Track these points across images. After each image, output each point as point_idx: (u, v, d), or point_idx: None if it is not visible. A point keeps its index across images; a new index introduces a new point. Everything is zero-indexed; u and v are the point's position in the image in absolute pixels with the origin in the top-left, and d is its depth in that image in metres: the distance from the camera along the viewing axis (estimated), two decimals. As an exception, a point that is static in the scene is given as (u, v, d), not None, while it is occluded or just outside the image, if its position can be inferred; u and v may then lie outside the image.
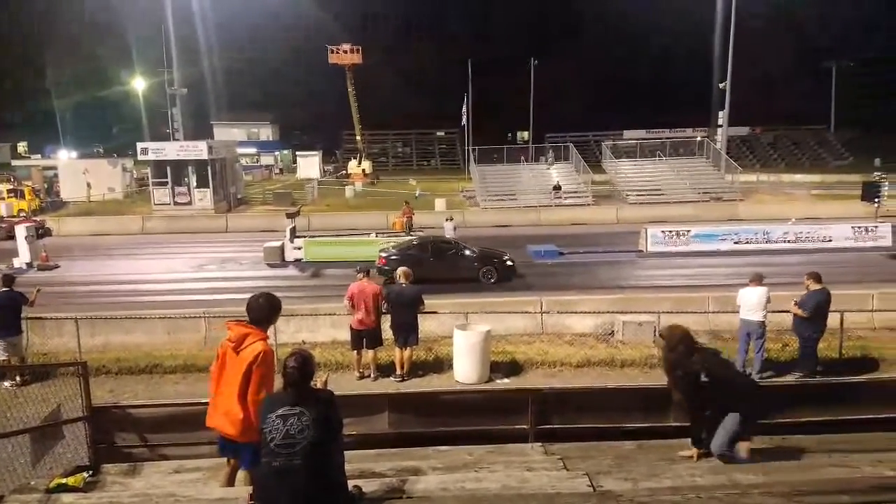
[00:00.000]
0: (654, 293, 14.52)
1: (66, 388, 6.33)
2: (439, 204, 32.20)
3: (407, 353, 10.03)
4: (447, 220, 22.00)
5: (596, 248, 21.45)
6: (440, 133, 78.10)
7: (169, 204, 31.36)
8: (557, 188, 33.68)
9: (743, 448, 5.12)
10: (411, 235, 20.31)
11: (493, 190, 35.09)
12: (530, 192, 34.17)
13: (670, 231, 21.42)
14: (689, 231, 21.42)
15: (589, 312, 11.82)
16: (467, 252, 17.19)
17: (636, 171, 37.79)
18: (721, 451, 5.20)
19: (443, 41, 79.37)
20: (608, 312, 11.65)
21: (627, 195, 34.31)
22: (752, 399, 5.26)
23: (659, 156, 38.81)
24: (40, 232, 25.39)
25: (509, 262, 17.14)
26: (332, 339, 11.39)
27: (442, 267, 16.68)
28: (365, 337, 9.93)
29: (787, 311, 9.72)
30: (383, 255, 17.09)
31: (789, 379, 9.48)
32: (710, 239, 21.24)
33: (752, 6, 43.91)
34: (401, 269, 10.27)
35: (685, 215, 28.50)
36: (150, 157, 31.76)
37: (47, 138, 62.24)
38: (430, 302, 11.22)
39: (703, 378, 5.17)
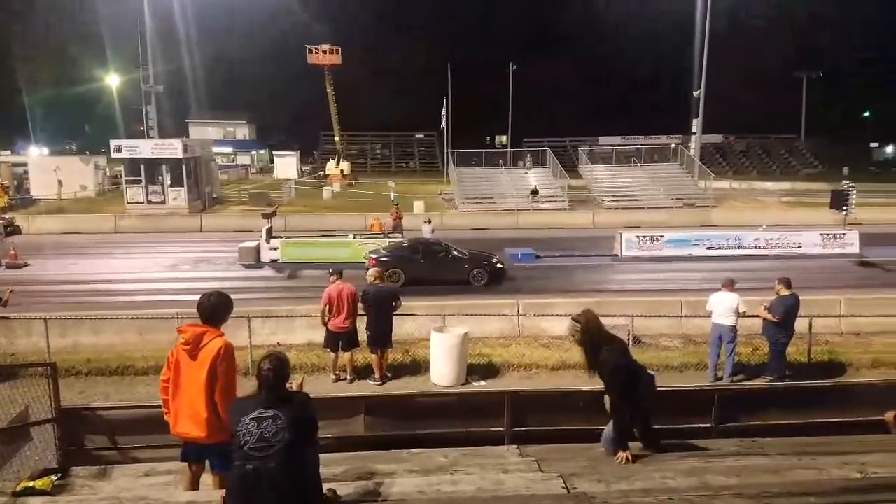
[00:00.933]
0: (628, 297, 14.64)
1: (34, 390, 6.21)
2: (418, 206, 32.22)
3: (384, 356, 10.00)
4: (425, 222, 22.00)
5: (572, 252, 21.62)
6: (419, 135, 78.11)
7: (142, 203, 30.87)
8: (535, 192, 33.90)
9: (621, 457, 5.02)
10: (392, 237, 20.34)
11: (471, 193, 35.19)
12: (508, 196, 34.33)
13: (644, 236, 21.69)
14: (662, 236, 21.71)
15: (565, 315, 11.84)
16: (458, 254, 17.33)
17: (612, 177, 38.23)
18: (608, 444, 5.11)
19: (423, 44, 79.62)
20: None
21: (603, 200, 34.71)
22: (652, 397, 5.23)
23: (634, 162, 39.35)
24: (9, 230, 24.79)
25: (499, 265, 17.31)
26: (308, 341, 11.30)
27: (433, 269, 16.81)
28: (342, 339, 9.87)
29: (758, 316, 9.90)
30: (373, 256, 17.16)
31: (759, 382, 9.66)
32: (684, 244, 21.56)
33: (726, 16, 44.84)
34: (372, 270, 10.22)
35: (659, 221, 28.88)
36: (124, 154, 31.21)
37: (17, 134, 60.86)
38: (407, 304, 11.19)
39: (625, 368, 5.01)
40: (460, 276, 16.79)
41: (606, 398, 5.17)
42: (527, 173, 37.90)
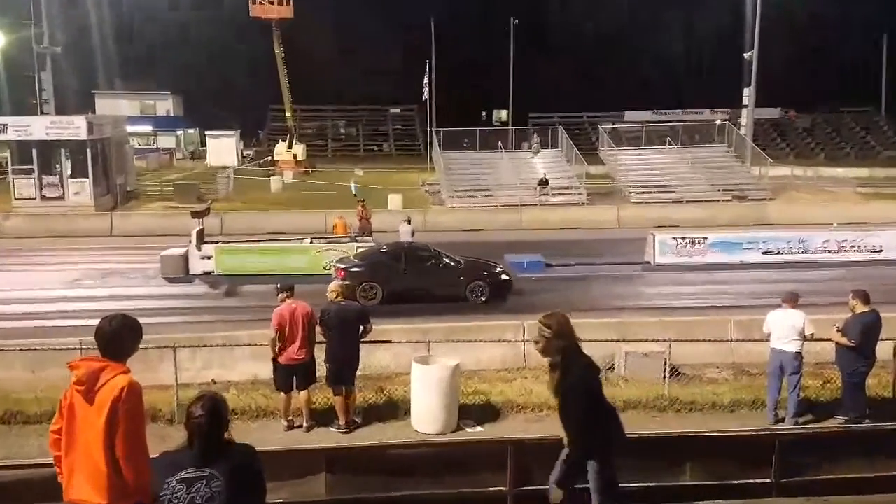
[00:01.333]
0: (662, 316, 14.73)
1: None
2: (393, 200, 32.37)
3: (350, 395, 9.98)
4: (403, 221, 22.06)
5: (591, 259, 21.78)
6: (395, 110, 78.48)
7: (35, 199, 30.58)
8: (544, 183, 34.18)
9: (556, 496, 5.06)
10: (362, 242, 20.48)
11: (462, 183, 35.42)
12: (510, 188, 34.56)
13: (683, 238, 21.89)
14: (706, 238, 21.92)
15: (584, 341, 11.96)
16: (450, 263, 17.56)
17: (641, 163, 38.57)
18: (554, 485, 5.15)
19: (398, -7, 79.81)
20: (607, 341, 11.77)
21: (631, 192, 35.01)
22: (623, 439, 5.21)
23: (670, 143, 39.80)
24: None
25: (504, 276, 17.56)
26: (251, 377, 11.26)
27: (419, 281, 17.06)
28: (296, 374, 9.82)
29: (829, 340, 10.00)
30: (341, 266, 17.35)
31: (832, 424, 9.74)
32: (733, 248, 21.79)
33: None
34: (333, 285, 10.21)
35: (702, 218, 29.19)
36: (10, 136, 30.84)
37: None
38: (380, 326, 11.18)
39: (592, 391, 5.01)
40: (454, 291, 16.99)
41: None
42: (533, 158, 38.22)
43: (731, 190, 34.77)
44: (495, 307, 16.53)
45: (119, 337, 4.57)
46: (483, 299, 16.95)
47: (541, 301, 17.46)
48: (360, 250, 19.00)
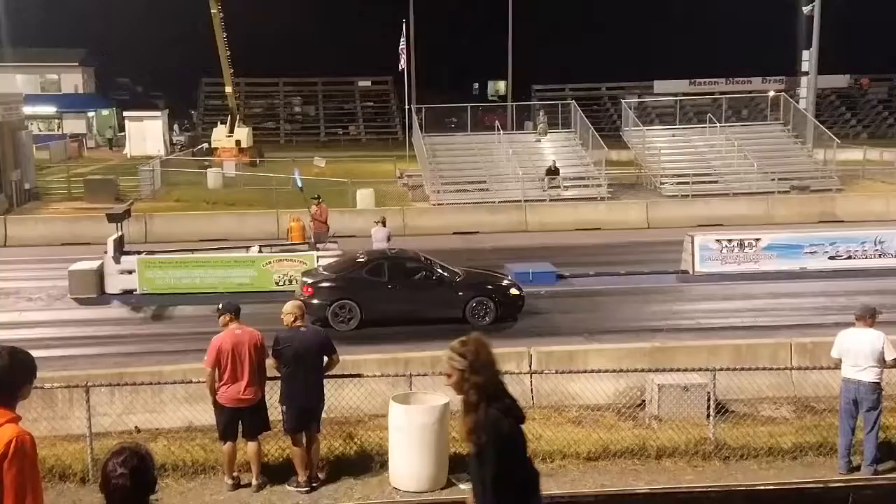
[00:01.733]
0: (705, 338, 14.77)
1: None
2: (363, 197, 32.49)
3: (312, 444, 9.95)
4: (377, 223, 22.07)
5: (614, 269, 21.92)
6: (365, 83, 78.65)
7: None
8: (553, 172, 34.37)
9: None
10: (327, 250, 20.55)
11: (450, 175, 35.63)
12: (510, 179, 34.75)
13: (730, 240, 22.03)
14: (758, 240, 22.07)
15: (606, 372, 12.02)
16: (446, 275, 17.76)
17: (676, 146, 38.89)
18: None
19: (367, -65, 79.89)
20: (636, 371, 11.84)
21: (663, 183, 35.36)
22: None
23: (711, 121, 40.07)
24: None
25: (514, 291, 17.78)
26: (186, 424, 11.21)
27: (407, 299, 17.30)
28: (243, 419, 9.79)
29: (915, 366, 10.06)
30: (309, 280, 17.58)
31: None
32: (793, 252, 21.92)
33: None
34: (290, 305, 10.17)
35: (753, 215, 29.45)
36: None
37: None
38: (350, 357, 11.14)
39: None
40: (451, 311, 17.18)
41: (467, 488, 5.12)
42: (539, 141, 38.41)
43: (789, 179, 35.09)
44: (498, 330, 16.60)
45: (6, 376, 4.53)
46: (488, 320, 17.11)
47: (553, 322, 17.56)
48: (328, 261, 19.05)
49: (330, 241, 22.12)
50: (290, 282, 19.54)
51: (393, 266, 17.75)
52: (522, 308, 17.69)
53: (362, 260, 18.18)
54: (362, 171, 42.45)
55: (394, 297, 17.20)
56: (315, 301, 16.91)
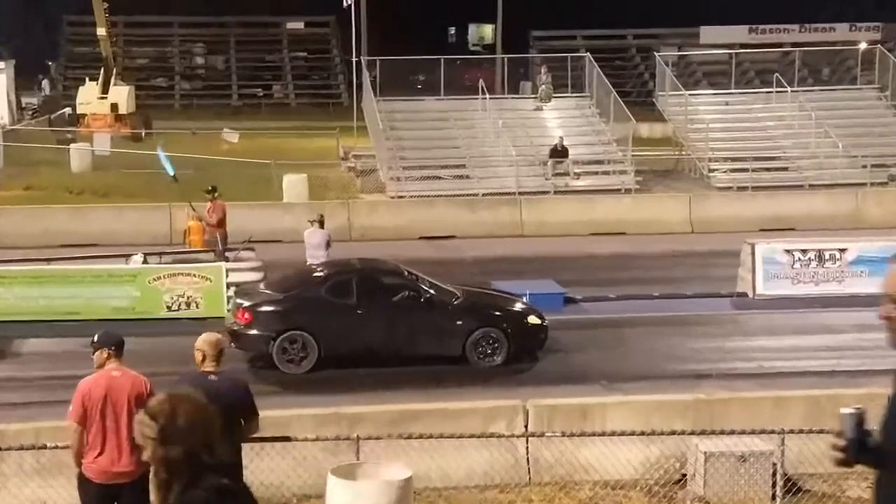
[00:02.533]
0: (770, 388, 14.93)
1: None
2: (293, 186, 32.27)
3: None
4: (312, 223, 22.00)
5: (645, 290, 22.06)
6: (296, 25, 78.26)
7: None
8: (560, 153, 34.54)
9: None
10: (239, 260, 20.61)
11: (415, 156, 35.79)
12: (499, 163, 34.93)
13: (804, 251, 22.16)
14: (844, 251, 22.21)
15: (632, 434, 12.02)
16: (438, 295, 17.87)
17: (730, 117, 39.24)
18: None
19: None
20: (673, 434, 11.86)
21: (712, 171, 35.66)
22: None
23: (779, 84, 40.33)
24: None
25: (534, 320, 17.86)
26: (38, 506, 11.11)
27: (384, 329, 17.43)
28: (119, 498, 9.73)
29: None
30: (245, 302, 17.57)
31: None
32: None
33: None
34: (202, 338, 10.12)
35: (836, 216, 29.63)
36: None
37: None
38: (276, 412, 11.09)
39: None
40: (445, 345, 17.44)
41: None
42: (540, 109, 38.63)
43: (888, 166, 35.46)
44: (482, 376, 16.75)
45: None
46: (497, 359, 17.26)
47: (557, 363, 17.61)
48: (244, 276, 19.19)
49: (244, 249, 21.98)
50: (189, 305, 19.50)
51: (364, 282, 17.84)
52: (545, 343, 17.81)
53: (321, 274, 18.26)
54: (291, 148, 42.35)
55: (365, 326, 17.28)
56: (254, 332, 17.02)
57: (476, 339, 17.33)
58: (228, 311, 18.21)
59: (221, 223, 23.26)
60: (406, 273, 18.28)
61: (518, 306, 18.26)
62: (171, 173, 24.95)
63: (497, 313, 17.86)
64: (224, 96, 72.44)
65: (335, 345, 17.16)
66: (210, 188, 23.86)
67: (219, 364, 9.85)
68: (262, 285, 18.62)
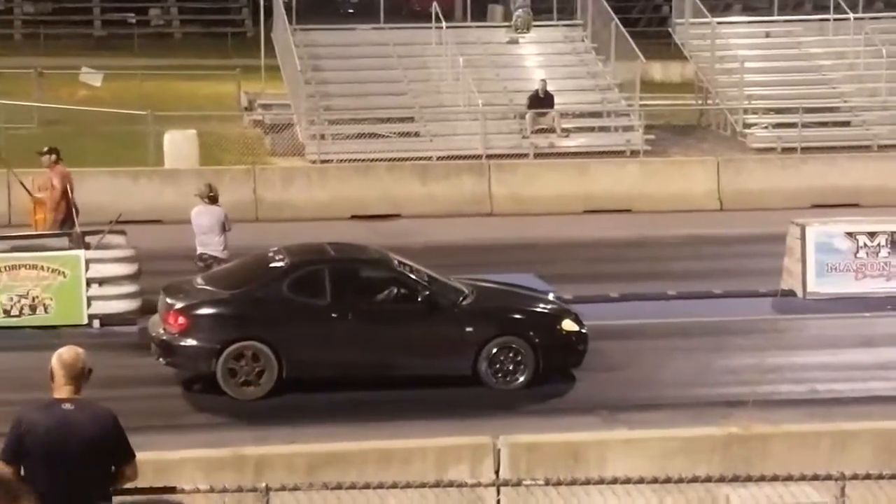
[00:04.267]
0: (824, 419, 15.08)
1: None
2: (177, 146, 31.83)
3: None
4: (202, 199, 21.89)
5: (658, 288, 22.30)
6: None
7: None
8: (542, 102, 34.77)
9: None
10: (93, 248, 20.58)
11: (345, 105, 36.04)
12: (460, 116, 35.32)
13: (873, 234, 22.34)
14: (928, 234, 22.36)
15: (640, 482, 12.05)
16: (440, 293, 17.93)
17: (772, 54, 39.76)
18: None
19: None
20: (696, 481, 11.91)
21: (748, 126, 36.01)
22: None
23: (837, 8, 40.39)
24: None
25: (570, 326, 17.88)
26: None
27: (367, 338, 17.48)
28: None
29: None
30: (181, 303, 17.54)
31: None
32: None
33: None
34: (58, 356, 10.12)
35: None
36: None
37: None
38: (151, 456, 11.07)
39: None
40: (451, 361, 17.62)
41: None
42: (516, 42, 38.84)
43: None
44: (446, 404, 16.83)
45: None
46: (521, 379, 17.33)
47: (541, 386, 17.59)
48: (110, 268, 19.20)
49: (111, 232, 21.86)
50: (35, 308, 19.57)
51: (340, 276, 17.95)
52: (584, 356, 17.81)
53: (281, 264, 18.11)
54: (176, 95, 42.16)
55: (341, 335, 17.34)
56: (191, 343, 16.99)
57: (492, 353, 17.34)
58: (90, 316, 18.11)
59: (64, 197, 23.04)
60: (396, 263, 18.31)
61: (547, 307, 18.42)
62: None
63: (520, 317, 18.01)
64: (83, 23, 72.00)
65: (301, 360, 17.19)
66: (46, 149, 23.69)
67: (77, 390, 9.81)
68: (200, 279, 18.47)
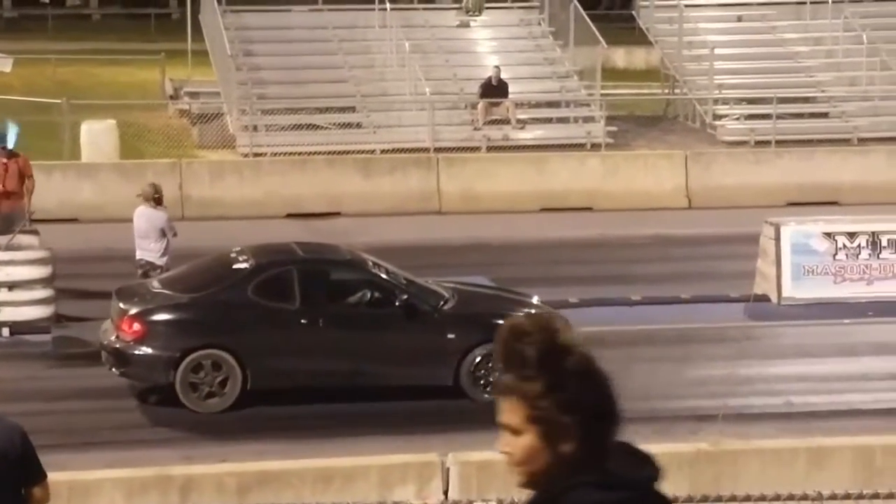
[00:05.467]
0: (800, 433, 15.22)
1: None
2: (96, 138, 31.73)
3: None
4: (145, 201, 21.72)
5: (620, 296, 22.32)
6: None
7: None
8: (495, 91, 34.76)
9: None
10: (4, 247, 20.50)
11: (279, 94, 36.08)
12: (406, 106, 35.40)
13: (852, 235, 22.44)
14: (912, 233, 22.53)
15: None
16: (419, 296, 18.01)
17: (743, 40, 39.86)
18: None
19: None
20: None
21: (718, 118, 36.11)
22: None
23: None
24: None
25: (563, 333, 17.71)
26: None
27: (340, 346, 17.49)
28: None
29: None
30: (135, 308, 17.46)
31: None
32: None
33: None
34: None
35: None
36: None
37: None
38: (64, 477, 11.01)
39: None
40: (430, 370, 17.70)
41: None
42: (467, 25, 38.76)
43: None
44: (382, 418, 16.90)
45: None
46: None
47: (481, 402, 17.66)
48: (23, 270, 19.22)
49: (23, 232, 21.75)
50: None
51: (310, 278, 18.04)
52: None
53: (245, 265, 18.12)
54: (94, 83, 42.10)
55: (311, 342, 17.39)
56: (147, 351, 16.96)
57: (476, 361, 17.45)
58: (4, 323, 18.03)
59: (21, 187, 22.99)
60: (370, 264, 18.39)
61: (534, 312, 18.28)
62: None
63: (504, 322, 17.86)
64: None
65: (267, 370, 17.25)
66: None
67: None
68: (155, 283, 18.47)
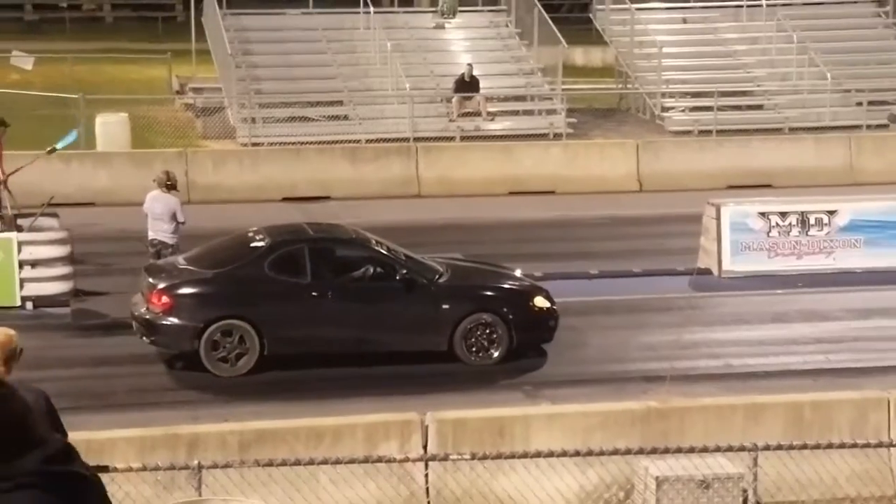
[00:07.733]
0: (739, 392, 15.25)
1: None
2: (109, 130, 31.76)
3: None
4: (159, 186, 21.53)
5: (579, 267, 22.35)
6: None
7: None
8: (468, 86, 34.68)
9: None
10: (26, 230, 20.40)
11: (275, 90, 35.89)
12: (388, 100, 35.23)
13: (784, 214, 22.50)
14: (833, 213, 22.60)
15: (563, 455, 12.07)
16: (417, 271, 18.02)
17: (689, 40, 39.71)
18: None
19: None
20: (617, 453, 11.95)
21: (666, 110, 36.06)
22: None
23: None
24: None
25: (542, 303, 18.11)
26: None
27: (347, 316, 17.62)
28: None
29: None
30: (162, 282, 17.50)
31: None
32: (894, 236, 22.60)
33: None
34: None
35: (825, 169, 30.12)
36: None
37: None
38: (84, 435, 10.99)
39: None
40: (427, 336, 17.73)
41: None
42: (442, 27, 38.69)
43: (890, 103, 35.83)
44: (373, 381, 16.90)
45: None
46: (496, 354, 17.58)
47: (465, 364, 17.67)
48: (43, 250, 19.15)
49: (44, 214, 21.62)
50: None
51: (319, 255, 18.05)
52: (556, 331, 17.98)
53: (261, 244, 18.13)
54: (107, 79, 41.79)
55: (321, 311, 17.49)
56: (174, 321, 17.05)
57: (467, 329, 17.55)
58: (23, 298, 17.93)
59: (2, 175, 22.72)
60: (374, 242, 18.41)
61: (518, 284, 18.55)
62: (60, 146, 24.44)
63: (494, 294, 18.19)
64: (14, 7, 71.12)
65: (282, 338, 17.32)
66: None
67: (8, 370, 9.74)
68: (181, 259, 18.45)
